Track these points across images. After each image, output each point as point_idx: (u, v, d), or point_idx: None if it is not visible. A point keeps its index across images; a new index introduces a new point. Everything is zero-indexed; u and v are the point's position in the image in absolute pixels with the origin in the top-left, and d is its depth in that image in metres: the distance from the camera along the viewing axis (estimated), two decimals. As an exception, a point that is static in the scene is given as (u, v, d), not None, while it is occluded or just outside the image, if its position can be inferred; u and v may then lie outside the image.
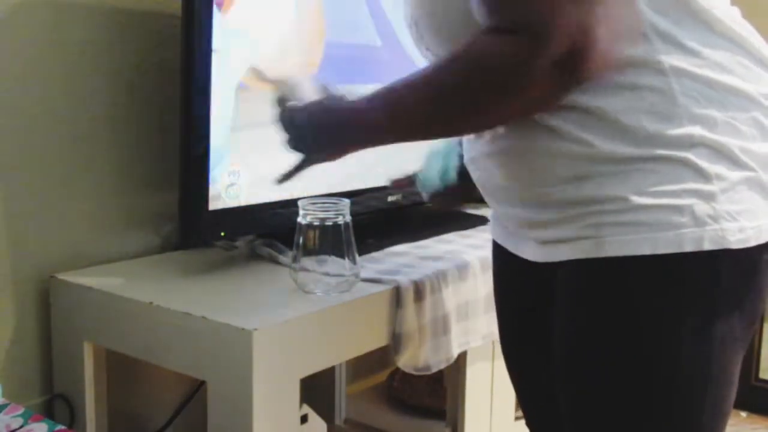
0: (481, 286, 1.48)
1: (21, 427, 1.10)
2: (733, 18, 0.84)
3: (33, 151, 1.34)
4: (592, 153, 0.81)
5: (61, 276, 1.35)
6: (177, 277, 1.35)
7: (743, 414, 2.33)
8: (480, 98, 0.81)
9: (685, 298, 0.81)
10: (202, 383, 1.37)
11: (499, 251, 1.06)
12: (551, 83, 0.76)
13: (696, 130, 0.79)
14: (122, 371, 1.45)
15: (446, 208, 1.27)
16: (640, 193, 0.80)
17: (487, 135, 0.92)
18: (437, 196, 1.17)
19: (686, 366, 0.82)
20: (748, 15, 0.87)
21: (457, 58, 0.81)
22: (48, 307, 1.36)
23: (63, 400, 1.35)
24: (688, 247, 0.79)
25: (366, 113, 0.91)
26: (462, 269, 1.45)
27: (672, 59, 0.80)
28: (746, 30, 0.85)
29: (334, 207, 1.24)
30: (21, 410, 1.14)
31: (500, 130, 0.89)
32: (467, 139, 0.99)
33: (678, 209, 0.79)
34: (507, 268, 1.06)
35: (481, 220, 1.78)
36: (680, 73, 0.80)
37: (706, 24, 0.82)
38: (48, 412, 1.36)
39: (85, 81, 1.39)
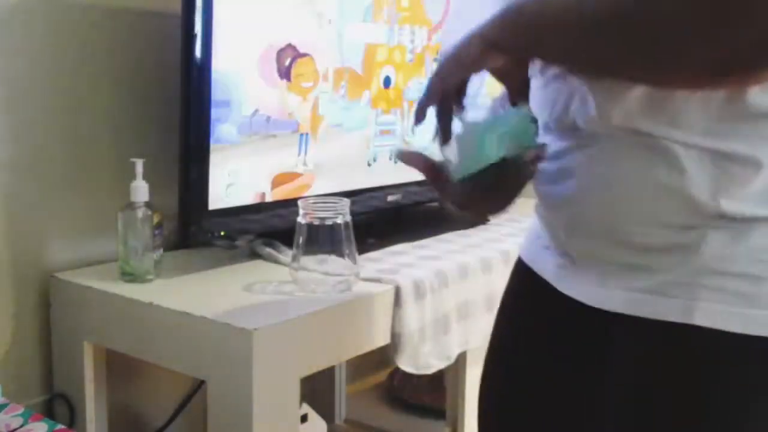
0: (481, 286, 1.48)
1: (21, 426, 1.10)
2: None
3: (33, 151, 1.34)
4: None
5: (61, 276, 1.35)
6: (177, 276, 1.35)
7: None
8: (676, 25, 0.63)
9: None
10: (202, 383, 1.37)
11: (529, 280, 0.91)
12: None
13: None
14: (122, 371, 1.45)
15: (471, 209, 0.92)
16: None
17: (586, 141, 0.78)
18: (465, 187, 0.82)
19: None
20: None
21: None
22: (48, 307, 1.36)
23: (63, 399, 1.35)
24: None
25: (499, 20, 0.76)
26: (462, 269, 1.45)
27: None
28: None
29: (334, 207, 1.24)
30: (21, 410, 1.15)
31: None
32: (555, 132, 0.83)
33: None
34: (537, 304, 0.91)
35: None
36: None
37: None
38: (48, 412, 1.36)
39: (85, 81, 1.39)
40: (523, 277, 0.93)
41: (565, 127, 0.80)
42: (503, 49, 0.77)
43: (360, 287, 1.29)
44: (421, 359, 1.36)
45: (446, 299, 1.40)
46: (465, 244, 1.59)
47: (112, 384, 1.39)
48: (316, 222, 1.23)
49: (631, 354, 0.78)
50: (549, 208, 0.85)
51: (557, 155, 0.81)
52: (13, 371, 1.34)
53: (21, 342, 1.35)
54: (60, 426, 1.11)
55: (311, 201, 1.25)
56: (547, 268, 0.87)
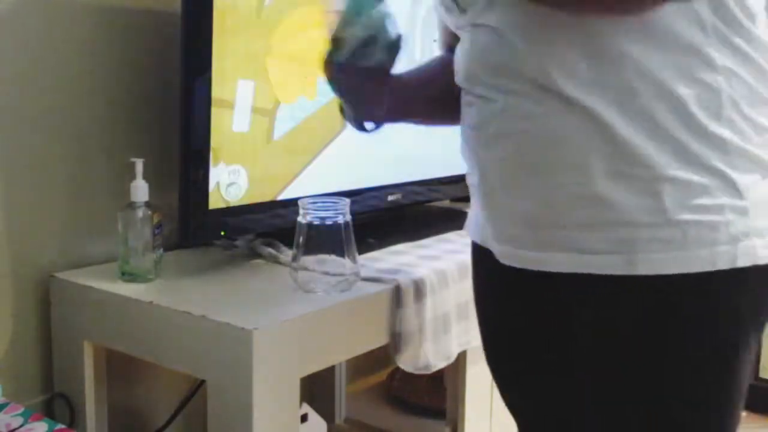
0: (481, 285, 1.48)
1: (21, 426, 1.10)
2: None
3: (33, 151, 1.34)
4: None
5: (61, 276, 1.35)
6: (177, 276, 1.35)
7: (743, 413, 2.33)
8: None
9: (715, 315, 0.80)
10: (202, 382, 1.37)
11: (485, 258, 0.96)
12: None
13: (732, 136, 0.78)
14: (122, 370, 1.45)
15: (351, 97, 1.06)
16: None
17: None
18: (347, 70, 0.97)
19: (714, 379, 0.83)
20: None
21: None
22: (48, 306, 1.36)
23: (63, 399, 1.35)
24: (722, 265, 0.78)
25: None
26: (462, 269, 1.44)
27: (723, 58, 0.78)
28: None
29: (334, 206, 1.24)
30: (21, 409, 1.15)
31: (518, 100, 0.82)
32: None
33: (713, 226, 0.77)
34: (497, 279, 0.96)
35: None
36: (729, 72, 0.78)
37: (751, 28, 0.79)
38: (48, 412, 1.36)
39: (85, 81, 1.39)
40: (476, 256, 1.02)
41: (498, 74, 0.84)
42: None
43: (360, 287, 1.29)
44: (421, 359, 1.36)
45: (446, 299, 1.40)
46: (465, 243, 1.58)
47: (112, 384, 1.39)
48: (316, 222, 1.23)
49: (582, 305, 0.83)
50: (486, 174, 0.89)
51: (491, 118, 0.85)
52: (13, 371, 1.34)
53: (21, 342, 1.35)
54: (60, 426, 1.11)
55: (311, 201, 1.25)
56: (491, 244, 0.92)
